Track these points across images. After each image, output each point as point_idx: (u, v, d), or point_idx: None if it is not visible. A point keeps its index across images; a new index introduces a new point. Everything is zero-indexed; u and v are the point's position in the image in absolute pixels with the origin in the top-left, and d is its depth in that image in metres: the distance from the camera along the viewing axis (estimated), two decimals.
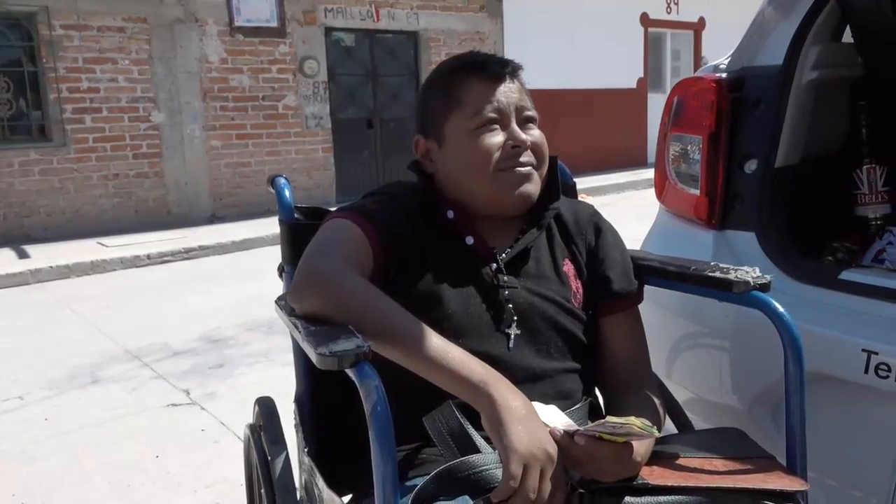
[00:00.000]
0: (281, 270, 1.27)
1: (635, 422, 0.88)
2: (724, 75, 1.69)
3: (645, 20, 11.63)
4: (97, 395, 3.32)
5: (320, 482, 1.00)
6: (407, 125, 9.75)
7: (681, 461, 1.01)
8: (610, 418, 0.89)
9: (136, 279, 6.00)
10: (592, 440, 0.90)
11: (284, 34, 8.45)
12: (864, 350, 1.25)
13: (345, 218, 1.13)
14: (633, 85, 11.72)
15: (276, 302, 1.15)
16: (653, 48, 11.94)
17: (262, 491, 1.33)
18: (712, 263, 1.21)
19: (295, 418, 1.24)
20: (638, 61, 11.70)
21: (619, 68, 11.39)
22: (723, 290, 1.14)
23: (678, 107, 1.78)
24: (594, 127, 11.10)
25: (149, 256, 6.62)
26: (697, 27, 12.43)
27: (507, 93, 1.20)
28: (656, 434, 0.87)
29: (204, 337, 4.18)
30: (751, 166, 1.63)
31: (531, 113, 1.23)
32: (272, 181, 1.28)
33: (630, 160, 11.55)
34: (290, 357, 3.72)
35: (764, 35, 1.71)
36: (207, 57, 8.03)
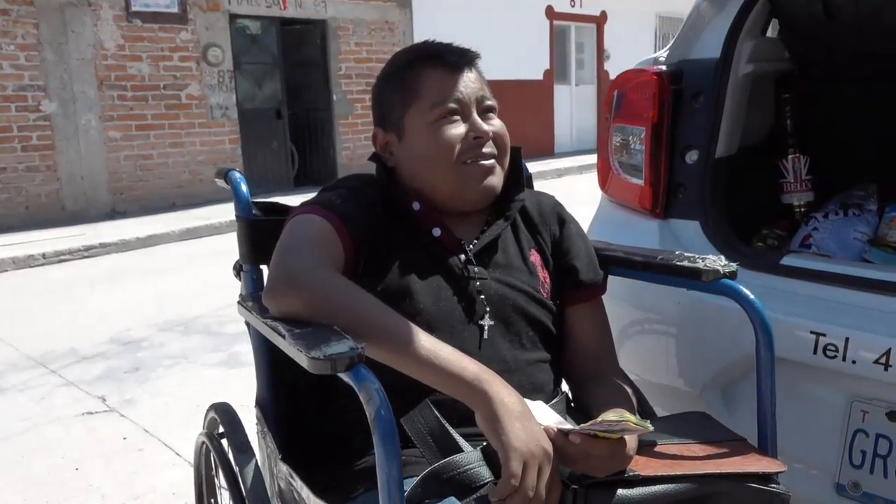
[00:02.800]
0: (238, 269, 1.21)
1: (630, 418, 0.88)
2: (663, 68, 1.73)
3: (550, 13, 11.85)
4: (0, 407, 3.08)
5: (304, 491, 0.95)
6: (317, 115, 9.58)
7: (660, 448, 1.03)
8: (606, 416, 0.89)
9: (31, 280, 5.61)
10: (588, 438, 0.90)
11: (186, 20, 8.09)
12: (812, 332, 1.31)
13: (312, 213, 1.08)
14: (540, 77, 11.93)
15: (239, 303, 1.09)
16: (558, 41, 12.19)
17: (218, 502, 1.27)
18: (677, 252, 1.23)
19: (259, 424, 1.18)
20: (544, 53, 11.92)
21: (527, 60, 11.56)
22: (691, 278, 1.16)
23: (619, 99, 1.81)
24: (503, 118, 11.16)
25: (44, 255, 6.21)
26: (600, 20, 12.78)
27: (466, 83, 1.18)
28: (650, 429, 0.88)
29: (114, 339, 3.96)
30: (692, 157, 1.68)
31: (491, 102, 1.21)
32: (225, 175, 1.21)
33: (538, 151, 11.76)
34: (211, 358, 3.60)
35: (699, 29, 1.75)
36: (103, 43, 7.59)
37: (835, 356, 1.28)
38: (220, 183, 1.25)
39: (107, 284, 5.34)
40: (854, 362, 1.26)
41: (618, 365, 1.26)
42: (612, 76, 12.92)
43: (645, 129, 1.71)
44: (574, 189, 8.59)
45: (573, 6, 12.22)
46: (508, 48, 11.09)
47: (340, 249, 1.06)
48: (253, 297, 1.06)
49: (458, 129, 1.16)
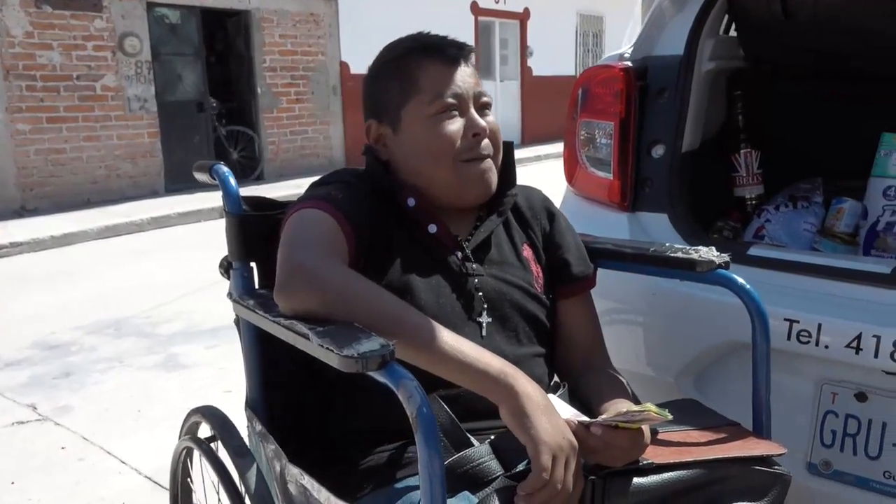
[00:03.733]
0: (228, 266, 1.15)
1: (651, 408, 0.89)
2: (629, 64, 1.76)
3: (475, 9, 11.92)
4: None
5: (323, 493, 0.92)
6: (241, 108, 9.33)
7: (663, 437, 1.05)
8: (629, 407, 0.90)
9: None
10: (609, 429, 0.91)
11: (100, 8, 7.71)
12: (786, 319, 1.36)
13: (316, 208, 1.05)
14: None
15: (236, 302, 1.04)
16: (483, 36, 12.28)
17: None
18: (667, 244, 1.26)
19: (255, 426, 1.13)
20: None
21: None
22: (686, 269, 1.19)
23: (585, 94, 1.84)
24: None
25: None
26: (523, 17, 12.95)
27: (464, 77, 1.17)
28: (669, 417, 0.89)
29: (38, 344, 3.74)
30: (658, 151, 1.72)
31: (487, 99, 1.20)
32: (210, 169, 1.15)
33: None
34: (147, 360, 3.48)
35: (661, 27, 1.80)
36: (9, 30, 7.15)
37: (808, 342, 1.34)
38: (203, 178, 1.19)
39: (22, 286, 5.04)
40: (827, 347, 1.32)
41: (608, 357, 1.28)
42: (535, 72, 13.16)
43: (613, 124, 1.73)
44: None
45: (497, 3, 12.33)
46: None
47: (345, 245, 1.03)
48: (252, 295, 1.02)
49: (456, 124, 1.14)
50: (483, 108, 1.19)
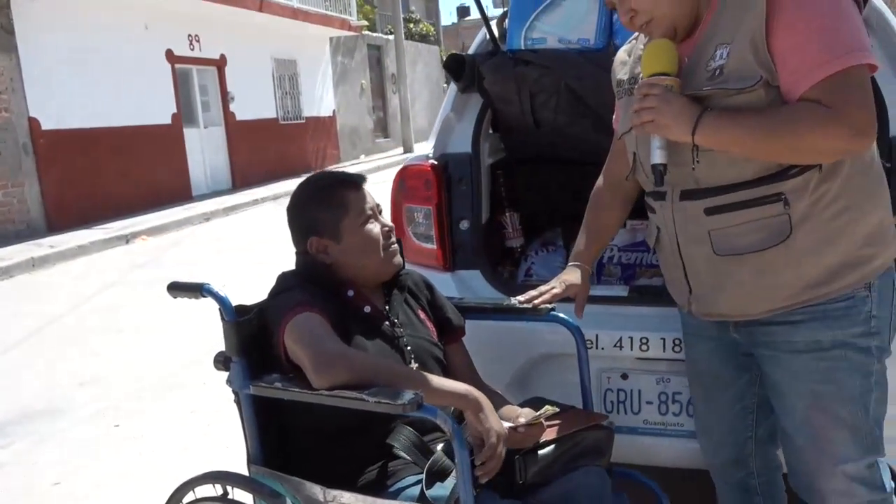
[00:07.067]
0: (227, 361, 1.51)
1: (548, 407, 1.50)
2: (434, 161, 2.38)
3: (170, 56, 11.77)
4: None
5: (359, 498, 1.36)
6: None
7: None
8: (542, 411, 1.50)
9: None
10: (531, 426, 1.50)
11: None
12: None
13: (305, 311, 1.49)
14: (168, 120, 11.77)
15: (258, 385, 1.44)
16: (182, 84, 12.15)
17: None
18: (513, 298, 1.89)
19: (265, 475, 1.50)
20: (169, 97, 11.79)
21: (152, 104, 11.33)
22: (531, 314, 1.83)
23: (403, 184, 2.41)
24: (136, 164, 10.86)
25: None
26: (220, 63, 13.06)
27: (370, 195, 1.71)
28: (557, 409, 1.51)
29: None
30: (464, 225, 2.36)
31: (380, 205, 1.75)
32: (202, 290, 1.49)
33: (176, 195, 11.61)
34: None
35: (449, 132, 2.45)
36: None
37: (591, 346, 2.06)
38: (184, 296, 1.52)
39: None
40: (602, 348, 2.06)
41: (482, 380, 1.86)
42: (239, 117, 13.36)
43: (431, 208, 2.34)
44: (234, 233, 8.75)
45: (192, 49, 12.31)
46: (131, 93, 10.76)
47: (332, 330, 1.48)
48: (275, 379, 1.43)
49: (377, 227, 1.68)
50: (381, 212, 1.73)
